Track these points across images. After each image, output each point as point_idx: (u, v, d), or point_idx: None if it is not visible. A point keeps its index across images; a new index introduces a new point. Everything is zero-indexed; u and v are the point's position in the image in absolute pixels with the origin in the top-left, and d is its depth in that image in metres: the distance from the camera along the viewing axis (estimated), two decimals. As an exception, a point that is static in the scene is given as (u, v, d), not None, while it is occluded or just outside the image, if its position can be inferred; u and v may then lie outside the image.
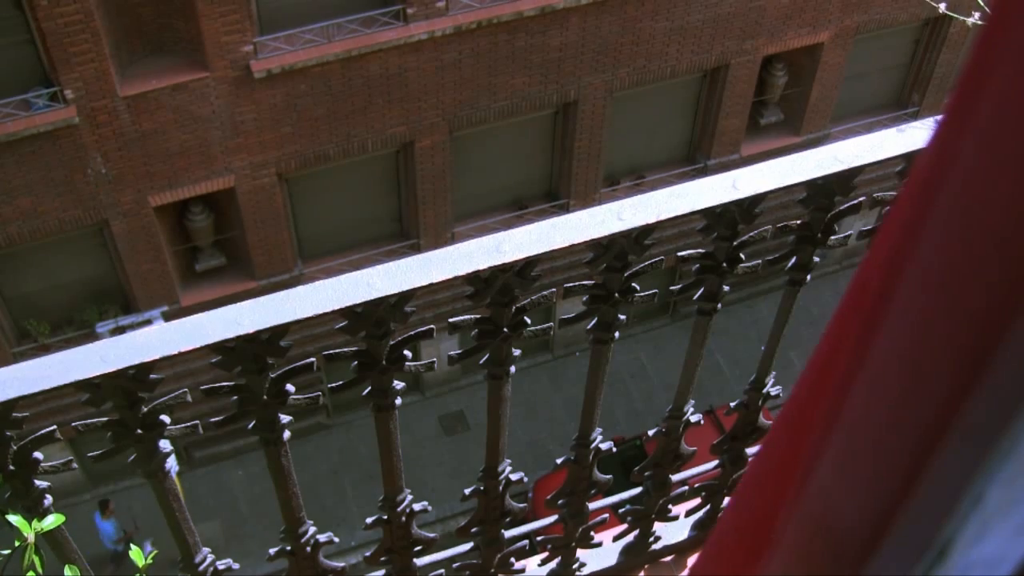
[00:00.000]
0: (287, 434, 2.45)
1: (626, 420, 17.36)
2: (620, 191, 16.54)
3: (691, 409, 3.07)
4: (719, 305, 2.70)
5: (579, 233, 2.22)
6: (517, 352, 2.51)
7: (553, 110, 15.39)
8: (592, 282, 2.47)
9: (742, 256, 2.58)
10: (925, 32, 17.19)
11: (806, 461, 1.03)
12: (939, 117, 0.78)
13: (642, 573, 3.53)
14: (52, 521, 2.31)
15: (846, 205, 2.55)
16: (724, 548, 1.43)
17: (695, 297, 2.68)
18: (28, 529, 2.28)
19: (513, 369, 2.55)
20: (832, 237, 2.65)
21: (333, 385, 2.43)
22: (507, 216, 16.11)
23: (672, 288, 2.72)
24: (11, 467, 2.18)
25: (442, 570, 3.20)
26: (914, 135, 2.41)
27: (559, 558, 3.36)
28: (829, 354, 0.99)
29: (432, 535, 3.00)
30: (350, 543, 15.21)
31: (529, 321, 2.43)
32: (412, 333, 2.36)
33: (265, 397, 2.31)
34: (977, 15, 4.86)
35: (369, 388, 2.44)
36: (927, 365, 0.81)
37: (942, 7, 6.95)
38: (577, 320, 2.59)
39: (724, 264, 2.58)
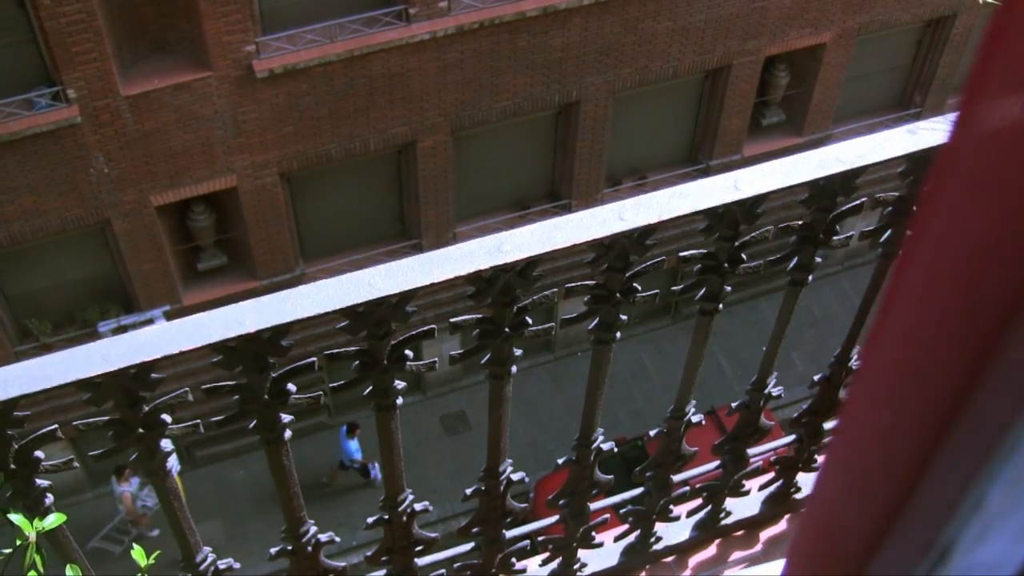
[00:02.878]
0: (288, 433, 2.45)
1: (628, 420, 17.35)
2: (622, 191, 16.54)
3: (692, 409, 3.07)
4: (721, 305, 2.70)
5: (581, 233, 2.22)
6: (518, 352, 2.51)
7: (555, 110, 15.39)
8: (594, 282, 2.47)
9: (744, 256, 2.58)
10: (927, 33, 17.19)
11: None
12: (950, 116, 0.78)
13: (643, 573, 3.53)
14: (53, 520, 2.31)
15: (848, 206, 2.55)
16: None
17: (697, 297, 2.68)
18: (29, 528, 2.28)
19: (514, 369, 2.55)
20: (834, 238, 2.65)
21: (334, 385, 2.43)
22: (509, 216, 16.11)
23: (674, 288, 2.72)
24: (12, 466, 2.18)
25: (443, 570, 3.20)
26: (916, 136, 2.41)
27: (560, 558, 3.36)
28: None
29: (433, 535, 3.00)
30: (351, 543, 15.20)
31: (530, 321, 2.43)
32: (413, 333, 2.36)
33: (266, 396, 2.31)
34: None
35: (370, 388, 2.44)
36: (927, 369, 0.81)
37: None
38: (579, 320, 2.59)
39: (726, 264, 2.58)
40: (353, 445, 16.54)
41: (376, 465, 16.93)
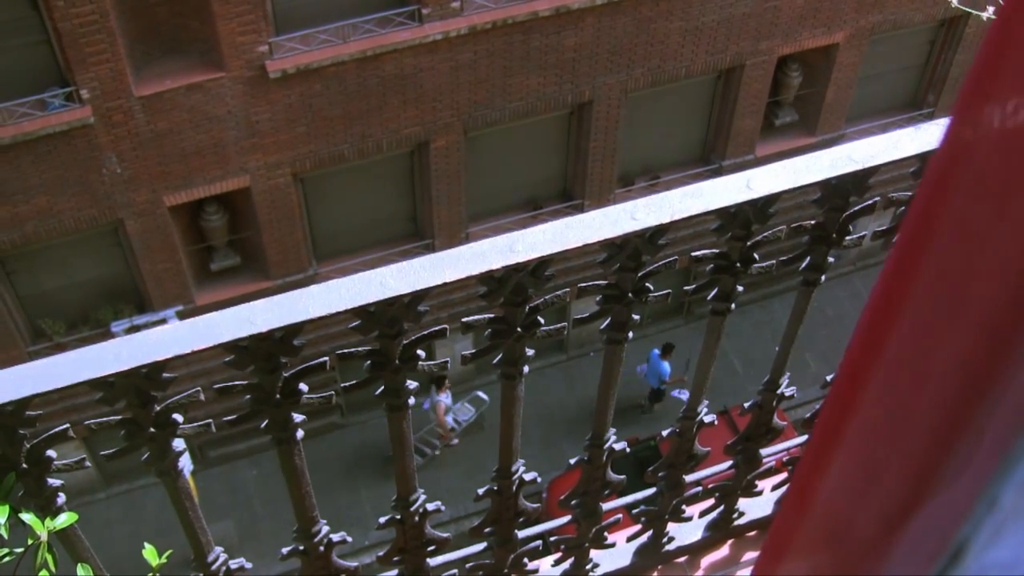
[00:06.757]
0: (300, 433, 2.45)
1: (640, 420, 17.34)
2: (635, 191, 16.53)
3: (705, 409, 3.06)
4: (733, 305, 2.69)
5: (593, 233, 2.22)
6: (531, 352, 2.50)
7: (568, 110, 15.38)
8: (606, 282, 2.47)
9: (756, 256, 2.57)
10: (940, 33, 17.14)
11: (822, 462, 1.02)
12: (951, 116, 0.77)
13: (655, 574, 3.52)
14: (65, 519, 2.31)
15: (861, 205, 2.54)
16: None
17: (709, 297, 2.67)
18: (41, 527, 2.28)
19: (527, 369, 2.55)
20: (847, 237, 2.64)
21: (346, 384, 2.43)
22: (521, 216, 16.10)
23: (686, 288, 2.71)
24: (24, 465, 2.19)
25: (455, 570, 3.20)
26: (929, 135, 2.41)
27: (572, 558, 3.35)
28: (850, 358, 0.99)
29: (445, 535, 3.00)
30: (363, 543, 15.21)
31: (543, 321, 2.42)
32: (426, 332, 2.36)
33: (278, 396, 2.31)
34: (992, 9, 4.76)
35: (382, 387, 2.44)
36: (939, 367, 0.80)
37: (954, 1, 6.86)
38: (591, 320, 2.59)
39: (738, 264, 2.57)
40: (665, 367, 16.84)
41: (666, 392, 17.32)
